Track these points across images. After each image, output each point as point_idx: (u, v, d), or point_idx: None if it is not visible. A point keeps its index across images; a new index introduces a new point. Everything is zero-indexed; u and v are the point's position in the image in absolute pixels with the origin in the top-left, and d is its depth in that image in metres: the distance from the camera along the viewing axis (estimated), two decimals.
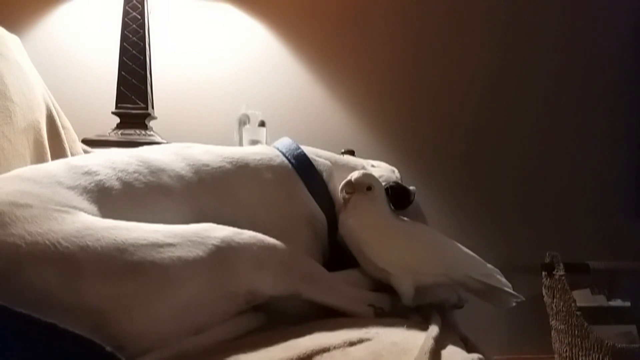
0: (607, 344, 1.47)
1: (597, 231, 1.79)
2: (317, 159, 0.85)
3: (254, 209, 0.75)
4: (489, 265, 0.75)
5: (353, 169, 0.86)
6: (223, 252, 0.58)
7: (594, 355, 1.49)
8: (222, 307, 0.58)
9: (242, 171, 0.76)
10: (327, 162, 0.86)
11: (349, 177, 0.75)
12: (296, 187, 0.81)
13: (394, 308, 0.70)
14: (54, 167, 0.64)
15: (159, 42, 1.56)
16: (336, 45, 1.72)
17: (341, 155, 0.95)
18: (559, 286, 1.56)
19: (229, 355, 0.51)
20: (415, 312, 0.71)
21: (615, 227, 1.81)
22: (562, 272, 1.56)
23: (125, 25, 1.35)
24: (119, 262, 0.51)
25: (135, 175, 0.66)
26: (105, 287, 0.50)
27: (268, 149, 0.84)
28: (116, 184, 0.63)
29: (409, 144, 1.74)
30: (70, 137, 1.02)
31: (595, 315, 1.59)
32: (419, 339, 0.54)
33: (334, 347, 0.51)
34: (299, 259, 0.67)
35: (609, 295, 1.69)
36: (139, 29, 1.34)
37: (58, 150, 0.94)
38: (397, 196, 0.78)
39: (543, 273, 1.62)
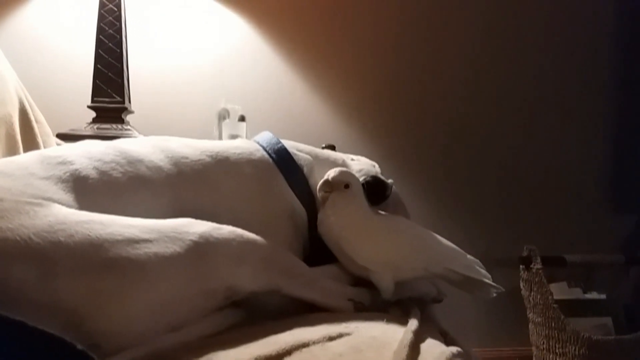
0: (583, 336, 1.50)
1: (573, 225, 1.83)
2: (298, 153, 0.85)
3: (234, 203, 0.74)
4: (469, 257, 0.76)
5: (334, 163, 0.86)
6: (201, 248, 0.57)
7: (570, 347, 1.52)
8: (201, 304, 0.57)
9: (221, 165, 0.75)
10: (308, 157, 0.85)
11: (325, 176, 0.74)
12: (276, 181, 0.80)
13: (374, 302, 0.70)
14: (26, 158, 0.62)
15: (137, 35, 1.54)
16: (317, 39, 1.72)
17: (322, 150, 0.94)
18: (536, 279, 1.59)
19: (207, 351, 0.50)
20: (395, 306, 0.71)
21: (591, 221, 1.84)
22: (539, 266, 1.59)
23: (101, 18, 1.32)
24: (93, 259, 0.50)
25: (112, 164, 0.64)
26: (79, 285, 0.48)
27: (248, 143, 0.83)
28: (92, 173, 0.62)
29: (390, 138, 1.74)
30: (44, 131, 1.00)
31: (572, 308, 1.63)
32: (398, 333, 0.54)
33: (314, 342, 0.51)
34: (279, 254, 0.66)
35: (585, 288, 1.72)
36: (115, 22, 1.31)
37: (31, 145, 0.92)
38: (373, 190, 0.78)
39: (521, 266, 1.65)
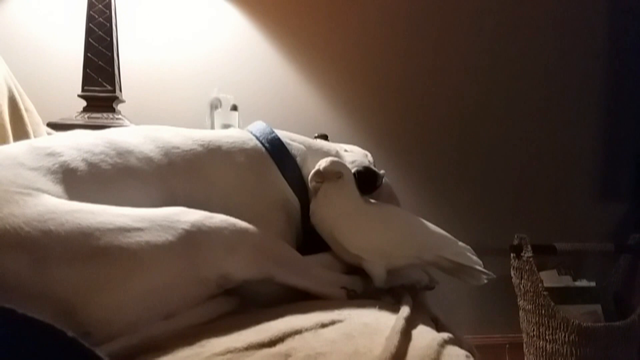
0: (573, 323, 1.51)
1: (564, 213, 1.84)
2: (291, 143, 0.85)
3: (227, 192, 0.73)
4: (460, 243, 0.76)
5: (327, 153, 0.86)
6: (193, 237, 0.57)
7: (560, 334, 1.53)
8: (193, 292, 0.57)
9: (214, 154, 0.75)
10: (302, 147, 0.85)
11: (317, 167, 0.74)
12: (269, 171, 0.80)
13: (366, 290, 0.71)
14: (15, 148, 0.61)
15: (128, 24, 1.52)
16: (310, 28, 1.71)
17: (315, 140, 0.94)
18: (526, 267, 1.60)
19: (200, 339, 0.51)
20: (387, 294, 0.71)
21: (581, 209, 1.86)
22: (530, 254, 1.60)
23: (91, 5, 1.30)
24: (84, 247, 0.49)
25: (102, 156, 0.64)
26: (70, 273, 0.48)
27: (241, 132, 0.83)
28: (81, 165, 0.61)
29: (382, 127, 1.74)
30: (34, 120, 0.99)
31: (562, 295, 1.64)
32: (390, 320, 0.55)
33: (306, 329, 0.51)
34: (271, 243, 0.66)
35: (574, 276, 1.74)
36: (105, 9, 1.30)
37: (21, 134, 0.91)
38: (364, 180, 0.78)
39: (511, 255, 1.66)
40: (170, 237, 0.55)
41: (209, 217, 0.60)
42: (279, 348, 0.48)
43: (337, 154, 0.88)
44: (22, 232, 0.48)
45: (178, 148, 0.72)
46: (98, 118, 1.28)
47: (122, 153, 0.66)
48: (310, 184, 0.76)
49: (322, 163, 0.74)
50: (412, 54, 1.77)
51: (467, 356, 0.51)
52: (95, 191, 0.60)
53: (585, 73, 1.88)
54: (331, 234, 0.73)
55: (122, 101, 1.37)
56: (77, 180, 0.60)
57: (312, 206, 0.76)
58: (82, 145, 0.64)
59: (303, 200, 0.81)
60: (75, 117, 1.30)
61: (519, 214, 1.81)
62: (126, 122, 1.31)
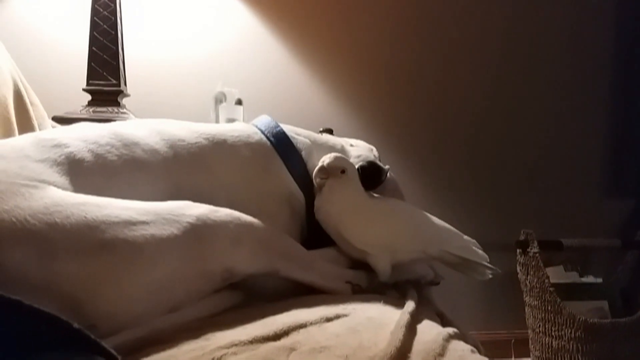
0: (580, 319, 1.51)
1: (570, 209, 1.83)
2: (296, 137, 0.84)
3: (231, 186, 0.73)
4: (466, 237, 0.76)
5: (332, 148, 0.86)
6: (198, 230, 0.57)
7: (566, 330, 1.53)
8: (198, 285, 0.57)
9: (219, 147, 0.75)
10: (307, 141, 0.85)
11: (320, 163, 0.74)
12: (274, 164, 0.80)
13: (371, 285, 0.71)
14: (21, 141, 0.62)
15: (133, 18, 1.51)
16: (316, 21, 1.70)
17: (320, 134, 0.94)
18: (533, 263, 1.59)
19: (205, 332, 0.51)
20: (392, 288, 0.71)
21: (588, 205, 1.84)
22: (536, 250, 1.59)
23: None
24: (90, 240, 0.50)
25: (108, 147, 0.64)
26: (76, 266, 0.48)
27: (246, 126, 0.83)
28: (88, 156, 0.61)
29: (387, 122, 1.73)
30: (39, 113, 0.99)
31: (568, 292, 1.63)
32: (395, 314, 0.54)
33: (311, 323, 0.51)
34: (276, 237, 0.66)
35: (581, 272, 1.73)
36: (110, 3, 1.29)
37: (26, 127, 0.91)
38: (368, 175, 0.78)
39: (518, 250, 1.65)
40: (175, 231, 0.55)
41: (214, 210, 0.60)
42: (284, 342, 0.48)
43: (342, 149, 0.87)
44: (27, 225, 0.48)
45: (183, 141, 0.72)
46: (103, 112, 1.28)
47: (128, 145, 0.66)
48: (315, 181, 0.76)
49: (326, 159, 0.74)
50: (421, 49, 1.76)
51: (472, 351, 0.51)
52: (101, 182, 0.60)
53: (593, 70, 1.86)
54: (336, 229, 0.73)
55: (127, 95, 1.37)
56: (83, 171, 0.60)
57: (316, 202, 0.76)
58: (88, 136, 0.64)
59: (308, 195, 0.81)
60: (80, 111, 1.30)
61: (525, 210, 1.80)
62: (131, 116, 1.31)
